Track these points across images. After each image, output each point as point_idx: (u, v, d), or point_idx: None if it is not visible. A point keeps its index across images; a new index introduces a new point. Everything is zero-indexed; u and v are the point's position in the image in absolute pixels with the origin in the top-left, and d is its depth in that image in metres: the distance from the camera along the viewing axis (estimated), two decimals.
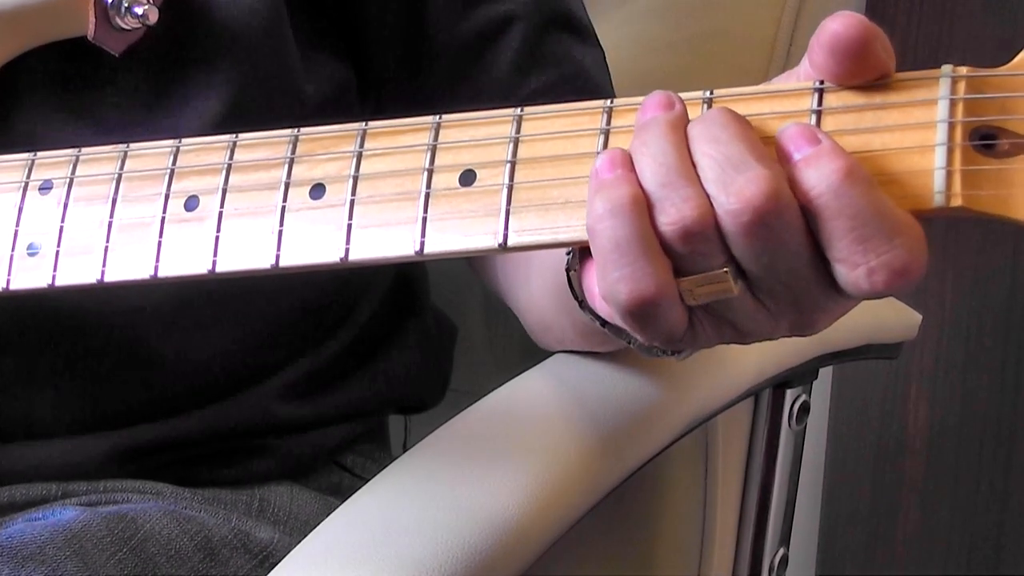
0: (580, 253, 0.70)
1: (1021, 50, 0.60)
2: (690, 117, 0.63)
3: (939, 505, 1.92)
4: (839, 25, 0.60)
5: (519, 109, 0.66)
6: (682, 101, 0.63)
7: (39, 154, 0.76)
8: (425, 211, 0.66)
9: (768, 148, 0.61)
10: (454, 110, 0.69)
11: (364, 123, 0.69)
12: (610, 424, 0.88)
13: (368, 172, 0.68)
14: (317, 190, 0.69)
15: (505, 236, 0.65)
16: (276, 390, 1.00)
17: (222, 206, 0.70)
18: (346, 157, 0.69)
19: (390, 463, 0.87)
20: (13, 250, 0.75)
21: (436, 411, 1.12)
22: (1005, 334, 1.85)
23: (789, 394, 1.09)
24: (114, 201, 0.73)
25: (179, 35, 0.89)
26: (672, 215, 0.61)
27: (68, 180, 0.75)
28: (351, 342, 1.05)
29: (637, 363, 0.91)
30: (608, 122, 0.65)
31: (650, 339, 0.65)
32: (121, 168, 0.74)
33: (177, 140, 0.73)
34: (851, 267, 0.59)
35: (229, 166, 0.71)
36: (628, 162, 0.63)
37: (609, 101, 0.65)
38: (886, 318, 1.15)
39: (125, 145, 0.74)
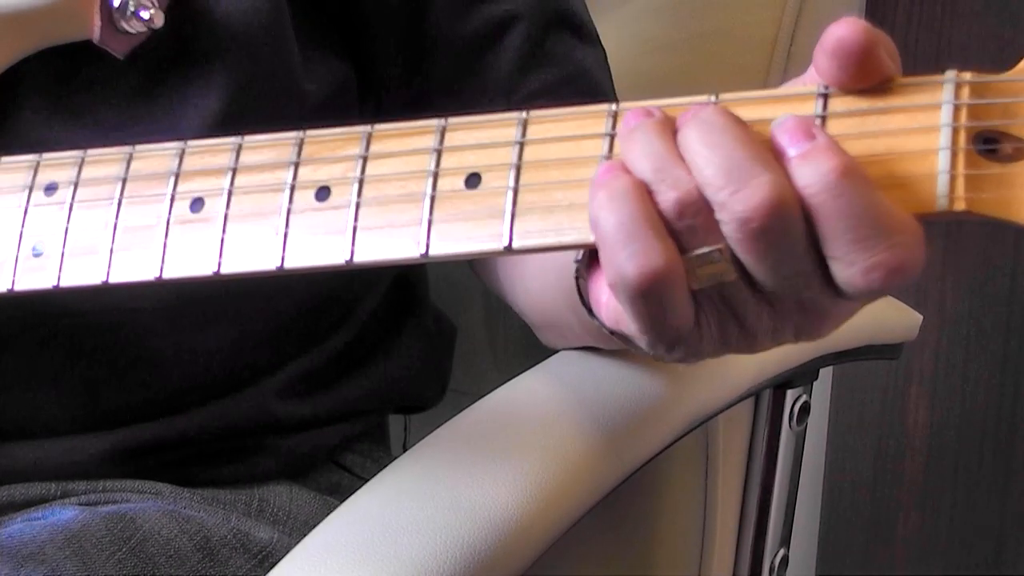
0: (588, 260, 0.70)
1: None
2: None
3: (939, 505, 1.92)
4: (843, 30, 0.60)
5: (524, 112, 0.66)
6: (660, 111, 0.63)
7: (44, 156, 0.76)
8: (430, 213, 0.66)
9: (750, 130, 0.61)
10: (455, 110, 0.69)
11: (369, 125, 0.69)
12: (610, 424, 0.88)
13: (373, 174, 0.68)
14: (322, 192, 0.69)
15: (510, 238, 0.65)
16: (276, 389, 1.00)
17: (227, 208, 0.70)
18: (351, 159, 0.69)
19: (390, 463, 0.87)
20: (18, 251, 0.75)
21: (436, 411, 1.12)
22: (1005, 335, 1.85)
23: (790, 394, 1.09)
24: (119, 203, 0.73)
25: (180, 34, 0.89)
26: (668, 192, 0.61)
27: (73, 182, 0.75)
28: (351, 341, 1.05)
29: (637, 363, 0.91)
30: (613, 126, 0.65)
31: (657, 338, 0.64)
32: (126, 170, 0.74)
33: (183, 142, 0.73)
34: (847, 265, 0.59)
35: (234, 168, 0.71)
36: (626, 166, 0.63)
37: (614, 105, 0.65)
38: (886, 318, 1.15)
39: (131, 147, 0.74)
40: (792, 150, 0.60)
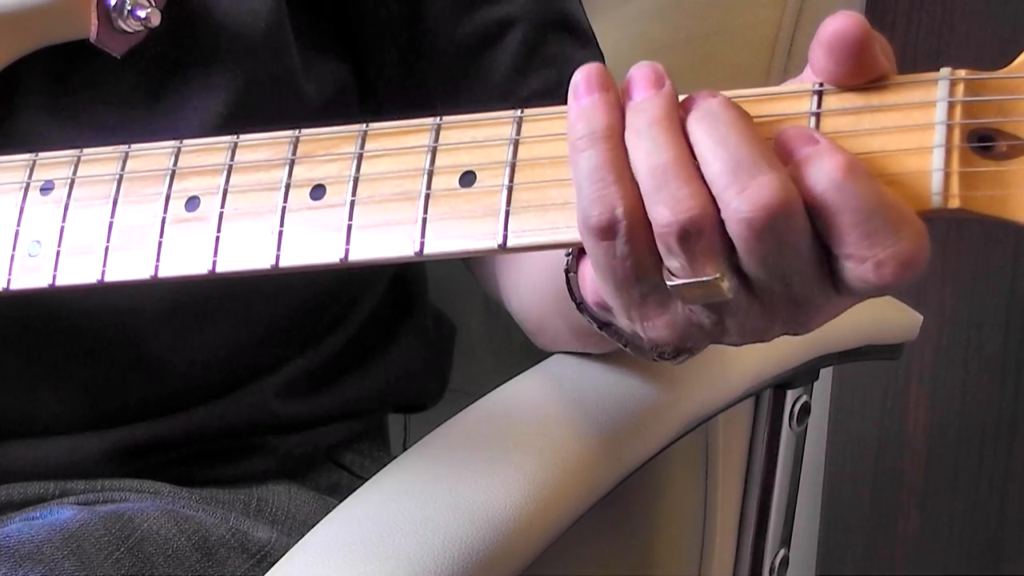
0: (578, 255, 0.70)
1: (1020, 52, 0.60)
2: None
3: (939, 505, 1.92)
4: (839, 24, 0.60)
5: (519, 111, 0.67)
6: (671, 79, 0.63)
7: (41, 155, 0.76)
8: (425, 212, 0.66)
9: (756, 125, 0.61)
10: (453, 112, 0.69)
11: (365, 124, 0.69)
12: (609, 424, 0.88)
13: (368, 173, 0.68)
14: (317, 191, 0.69)
15: (505, 237, 0.65)
16: (274, 388, 1.00)
17: (223, 206, 0.70)
18: (346, 158, 0.69)
19: (389, 462, 0.87)
20: (14, 250, 0.75)
21: (436, 411, 1.12)
22: (1005, 334, 1.85)
23: (790, 395, 1.09)
24: (115, 202, 0.73)
25: (179, 36, 0.89)
26: (666, 216, 0.61)
27: (69, 180, 0.75)
28: (350, 341, 1.05)
29: (636, 363, 0.91)
30: None
31: (620, 287, 0.64)
32: (122, 169, 0.74)
33: (178, 141, 0.73)
34: (859, 261, 0.60)
35: (230, 167, 0.71)
36: (607, 82, 0.63)
37: None
38: (886, 318, 1.15)
39: (126, 146, 0.74)
40: (796, 154, 0.60)
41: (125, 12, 0.83)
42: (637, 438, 0.90)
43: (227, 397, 0.98)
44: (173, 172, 0.72)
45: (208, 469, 0.99)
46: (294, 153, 0.70)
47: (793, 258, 0.61)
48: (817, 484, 1.96)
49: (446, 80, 0.97)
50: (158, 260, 0.71)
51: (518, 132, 0.66)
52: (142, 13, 0.83)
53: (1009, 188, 0.58)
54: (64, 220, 0.74)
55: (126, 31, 0.84)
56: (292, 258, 0.69)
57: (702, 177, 0.61)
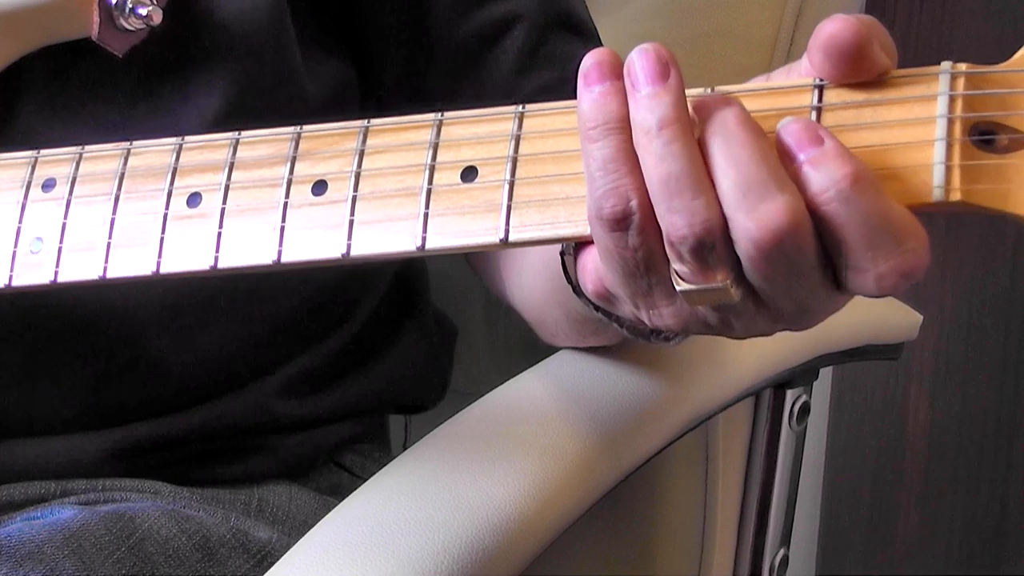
0: (578, 244, 0.70)
1: (1021, 47, 0.60)
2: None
3: (939, 505, 1.92)
4: (834, 28, 0.60)
5: (520, 106, 0.67)
6: (676, 66, 0.63)
7: (42, 152, 0.77)
8: (426, 207, 0.67)
9: (769, 142, 0.61)
10: (456, 109, 0.69)
11: (366, 120, 0.69)
12: (609, 423, 0.88)
13: (370, 169, 0.68)
14: (319, 187, 0.69)
15: (506, 232, 0.65)
16: (275, 388, 1.00)
17: (224, 203, 0.71)
18: (348, 154, 0.69)
19: (390, 463, 0.87)
20: (16, 247, 0.75)
21: (436, 411, 1.12)
22: (1005, 334, 1.85)
23: (789, 394, 1.09)
24: (116, 198, 0.73)
25: (180, 34, 0.90)
26: (681, 227, 0.61)
27: (71, 178, 0.75)
28: (350, 341, 1.05)
29: (636, 363, 0.91)
30: None
31: (628, 276, 0.64)
32: (124, 166, 0.74)
33: (180, 138, 0.73)
34: (859, 272, 0.60)
35: (231, 163, 0.71)
36: (618, 69, 0.63)
37: None
38: (886, 318, 1.15)
39: (128, 143, 0.75)
40: (801, 155, 0.60)
41: (127, 10, 0.83)
42: (637, 437, 0.90)
43: (228, 397, 0.98)
44: (175, 169, 0.72)
45: (209, 469, 0.99)
46: (296, 149, 0.70)
47: (799, 273, 0.61)
48: (817, 484, 1.96)
49: (449, 78, 0.97)
50: (160, 256, 0.71)
51: (519, 127, 0.66)
52: (143, 11, 0.83)
53: (1010, 182, 0.58)
54: (66, 217, 0.74)
55: (127, 30, 0.84)
56: (294, 254, 0.69)
57: (714, 187, 0.61)
